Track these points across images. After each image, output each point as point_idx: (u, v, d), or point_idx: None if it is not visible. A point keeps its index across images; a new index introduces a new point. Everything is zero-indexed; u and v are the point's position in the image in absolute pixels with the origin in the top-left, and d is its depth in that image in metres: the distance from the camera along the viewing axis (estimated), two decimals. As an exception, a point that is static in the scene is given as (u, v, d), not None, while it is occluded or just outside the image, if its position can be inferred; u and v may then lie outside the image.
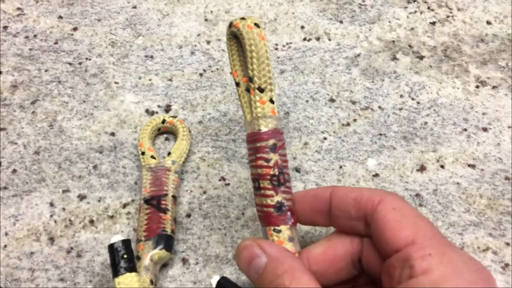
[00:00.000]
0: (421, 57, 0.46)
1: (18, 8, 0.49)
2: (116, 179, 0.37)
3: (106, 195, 0.36)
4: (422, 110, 0.42)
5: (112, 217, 0.35)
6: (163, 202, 0.33)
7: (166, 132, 0.40)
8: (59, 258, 0.33)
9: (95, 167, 0.38)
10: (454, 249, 0.24)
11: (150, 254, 0.31)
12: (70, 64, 0.44)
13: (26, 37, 0.46)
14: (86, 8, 0.49)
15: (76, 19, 0.48)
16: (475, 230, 0.35)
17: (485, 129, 0.41)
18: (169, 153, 0.37)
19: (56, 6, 0.49)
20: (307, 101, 0.42)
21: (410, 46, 0.46)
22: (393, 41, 0.47)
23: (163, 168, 0.35)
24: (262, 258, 0.26)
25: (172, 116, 0.39)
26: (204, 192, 0.37)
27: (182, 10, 0.49)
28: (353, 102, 0.42)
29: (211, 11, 0.49)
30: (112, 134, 0.40)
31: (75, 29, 0.47)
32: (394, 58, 0.46)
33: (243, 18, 0.28)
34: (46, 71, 0.44)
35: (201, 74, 0.44)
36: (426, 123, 0.41)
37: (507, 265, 0.33)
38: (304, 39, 0.47)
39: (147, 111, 0.41)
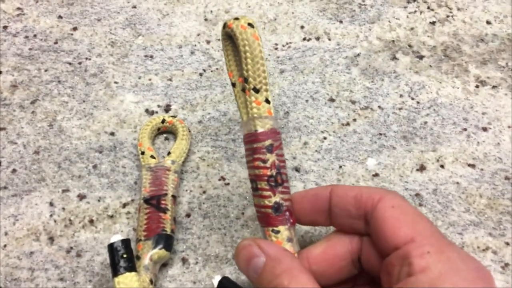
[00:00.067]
0: (421, 57, 0.46)
1: (18, 8, 0.49)
2: (115, 178, 0.37)
3: (105, 194, 0.36)
4: (422, 109, 0.42)
5: (111, 216, 0.35)
6: (162, 201, 0.33)
7: (166, 131, 0.40)
8: (58, 258, 0.33)
9: (94, 166, 0.38)
10: (453, 247, 0.24)
11: (149, 253, 0.31)
12: (70, 64, 0.44)
13: (26, 37, 0.46)
14: (86, 8, 0.49)
15: (76, 19, 0.48)
16: (475, 230, 0.35)
17: (485, 129, 0.41)
18: (168, 153, 0.37)
19: (56, 6, 0.49)
20: (307, 100, 0.42)
21: (410, 45, 0.46)
22: (393, 41, 0.47)
23: (163, 167, 0.35)
24: (261, 258, 0.26)
25: (171, 116, 0.39)
26: (204, 192, 0.37)
27: (182, 10, 0.49)
28: (353, 102, 0.42)
29: (211, 11, 0.49)
30: (112, 133, 0.40)
31: (75, 29, 0.47)
32: (394, 58, 0.45)
33: (236, 18, 0.28)
34: (46, 71, 0.44)
35: (201, 74, 0.44)
36: (426, 122, 0.41)
37: (507, 264, 0.33)
38: (304, 39, 0.47)
39: (146, 110, 0.41)
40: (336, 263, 0.28)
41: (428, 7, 0.50)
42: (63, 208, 0.36)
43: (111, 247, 0.29)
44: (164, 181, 0.35)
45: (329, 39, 0.47)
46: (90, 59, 0.45)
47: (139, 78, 0.43)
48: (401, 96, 0.43)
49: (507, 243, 0.34)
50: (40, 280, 0.32)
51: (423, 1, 0.50)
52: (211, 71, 0.44)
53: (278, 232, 0.28)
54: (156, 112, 0.41)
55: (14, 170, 0.37)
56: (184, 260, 0.33)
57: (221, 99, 0.42)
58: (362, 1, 0.50)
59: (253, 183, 0.29)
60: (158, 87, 0.43)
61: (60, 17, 0.48)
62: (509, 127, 0.41)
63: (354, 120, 0.41)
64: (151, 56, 0.45)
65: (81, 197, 0.36)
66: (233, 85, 0.30)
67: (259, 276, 0.26)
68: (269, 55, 0.46)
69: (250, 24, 0.28)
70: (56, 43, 0.46)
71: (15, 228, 0.34)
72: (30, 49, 0.45)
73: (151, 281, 0.30)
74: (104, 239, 0.34)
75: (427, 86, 0.43)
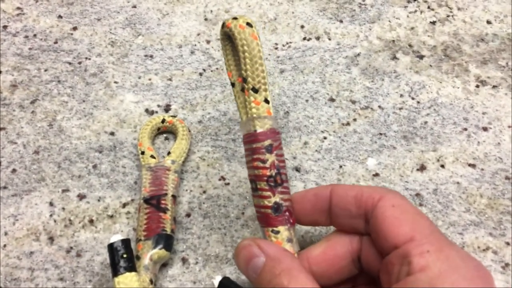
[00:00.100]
0: (421, 57, 0.46)
1: (18, 8, 0.49)
2: (115, 178, 0.37)
3: (105, 194, 0.36)
4: (422, 109, 0.42)
5: (111, 216, 0.35)
6: (162, 201, 0.33)
7: (166, 131, 0.40)
8: (58, 258, 0.33)
9: (94, 166, 0.38)
10: (452, 246, 0.24)
11: (149, 253, 0.31)
12: (69, 63, 0.44)
13: (26, 36, 0.46)
14: (85, 7, 0.49)
15: (75, 19, 0.48)
16: (475, 230, 0.35)
17: (485, 129, 0.40)
18: (168, 153, 0.37)
19: (55, 5, 0.49)
20: (307, 100, 0.42)
21: (410, 45, 0.46)
22: (393, 41, 0.47)
23: (163, 167, 0.35)
24: (261, 258, 0.26)
25: (171, 116, 0.39)
26: (204, 192, 0.37)
27: (182, 9, 0.49)
28: (353, 102, 0.42)
29: (211, 11, 0.49)
30: (112, 133, 0.40)
31: (74, 28, 0.47)
32: (394, 58, 0.45)
33: (235, 18, 0.28)
34: (45, 70, 0.44)
35: (200, 74, 0.44)
36: (426, 122, 0.41)
37: (507, 264, 0.33)
38: (304, 38, 0.47)
39: (146, 110, 0.41)
40: (336, 263, 0.28)
41: (429, 7, 0.50)
42: (63, 208, 0.35)
43: (111, 247, 0.29)
44: (164, 181, 0.35)
45: (329, 39, 0.47)
46: (90, 59, 0.45)
47: (139, 78, 0.43)
48: (401, 96, 0.43)
49: (508, 243, 0.34)
50: (40, 280, 0.32)
51: (423, 1, 0.50)
52: (211, 70, 0.44)
53: (277, 232, 0.28)
54: (156, 112, 0.41)
55: (14, 170, 0.37)
56: (184, 260, 0.33)
57: (221, 99, 0.42)
58: (362, 1, 0.50)
59: (252, 183, 0.29)
60: (158, 86, 0.43)
61: (60, 16, 0.48)
62: (509, 127, 0.41)
63: (354, 120, 0.41)
64: (151, 56, 0.45)
65: (81, 197, 0.36)
66: (233, 85, 0.30)
67: (259, 276, 0.26)
68: (269, 54, 0.45)
69: (248, 24, 0.28)
70: (56, 42, 0.46)
71: (15, 228, 0.34)
72: (30, 48, 0.45)
73: (151, 281, 0.30)
74: (104, 239, 0.34)
75: (428, 86, 0.43)
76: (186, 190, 0.37)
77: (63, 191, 0.36)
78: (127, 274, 0.28)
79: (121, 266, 0.28)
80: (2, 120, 0.40)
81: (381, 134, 0.40)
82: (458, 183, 0.37)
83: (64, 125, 0.40)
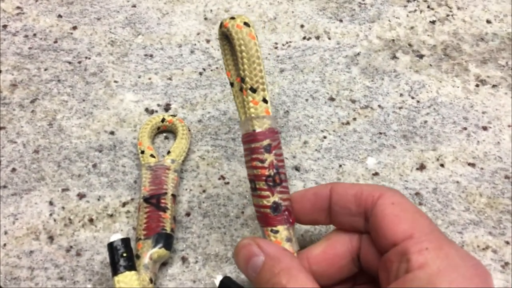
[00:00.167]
0: (421, 56, 0.46)
1: (18, 7, 0.49)
2: (115, 178, 0.37)
3: (105, 193, 0.36)
4: (422, 109, 0.42)
5: (111, 215, 0.35)
6: (162, 200, 0.33)
7: (166, 131, 0.40)
8: (58, 257, 0.33)
9: (94, 166, 0.38)
10: (451, 244, 0.24)
11: (149, 252, 0.31)
12: (69, 63, 0.44)
13: (26, 36, 0.46)
14: (85, 7, 0.49)
15: (75, 18, 0.48)
16: (475, 229, 0.35)
17: (485, 128, 0.40)
18: (168, 152, 0.37)
19: (55, 5, 0.49)
20: (306, 100, 0.42)
21: (410, 45, 0.46)
22: (393, 40, 0.47)
23: (163, 167, 0.35)
24: (260, 257, 0.26)
25: (171, 115, 0.39)
26: (204, 191, 0.37)
27: (182, 9, 0.49)
28: (353, 101, 0.42)
29: (211, 10, 0.49)
30: (112, 133, 0.40)
31: (74, 28, 0.47)
32: (394, 57, 0.45)
33: (232, 18, 0.28)
34: (45, 70, 0.44)
35: (200, 73, 0.44)
36: (426, 122, 0.41)
37: (506, 263, 0.33)
38: (304, 38, 0.47)
39: (146, 110, 0.41)
40: (336, 262, 0.28)
41: (428, 6, 0.50)
42: (63, 207, 0.36)
43: (111, 246, 0.29)
44: (164, 180, 0.35)
45: (329, 38, 0.47)
46: (89, 58, 0.45)
47: (139, 77, 0.43)
48: (401, 95, 0.43)
49: (507, 242, 0.34)
50: (40, 279, 0.32)
51: (423, 0, 0.50)
52: (211, 70, 0.44)
53: (277, 232, 0.28)
54: (156, 111, 0.41)
55: (13, 169, 0.37)
56: (184, 259, 0.33)
57: (221, 98, 0.42)
58: (362, 0, 0.50)
59: (251, 183, 0.29)
60: (158, 86, 0.43)
61: (59, 16, 0.48)
62: (509, 126, 0.41)
63: (354, 119, 0.41)
64: (151, 55, 0.45)
65: (81, 196, 0.36)
66: (231, 84, 0.30)
67: (258, 275, 0.26)
68: (269, 54, 0.45)
69: (246, 23, 0.28)
70: (55, 42, 0.46)
71: (15, 227, 0.34)
72: (29, 48, 0.45)
73: (151, 280, 0.30)
74: (104, 238, 0.34)
75: (427, 85, 0.43)
76: (186, 189, 0.37)
77: (63, 190, 0.36)
78: (127, 273, 0.28)
79: (121, 265, 0.28)
80: (2, 120, 0.40)
81: (381, 133, 0.40)
82: (457, 182, 0.37)
83: (64, 125, 0.40)
